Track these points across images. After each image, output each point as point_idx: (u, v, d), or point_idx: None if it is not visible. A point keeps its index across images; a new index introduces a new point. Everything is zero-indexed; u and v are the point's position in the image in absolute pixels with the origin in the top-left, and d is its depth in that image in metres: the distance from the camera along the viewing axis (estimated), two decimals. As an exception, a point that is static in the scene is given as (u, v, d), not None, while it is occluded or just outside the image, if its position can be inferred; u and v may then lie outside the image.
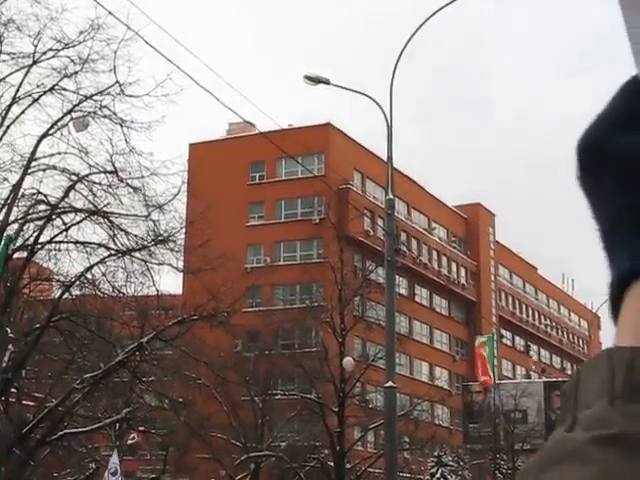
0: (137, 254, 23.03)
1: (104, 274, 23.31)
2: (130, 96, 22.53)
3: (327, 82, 26.51)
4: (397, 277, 49.81)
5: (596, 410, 0.60)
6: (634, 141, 0.69)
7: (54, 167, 22.80)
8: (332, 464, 35.13)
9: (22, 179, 22.45)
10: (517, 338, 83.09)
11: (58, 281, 24.71)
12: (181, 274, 29.74)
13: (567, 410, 0.63)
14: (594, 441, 0.57)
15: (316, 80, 26.43)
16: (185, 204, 27.92)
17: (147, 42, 19.26)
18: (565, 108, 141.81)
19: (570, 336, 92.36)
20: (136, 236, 22.87)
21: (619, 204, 0.69)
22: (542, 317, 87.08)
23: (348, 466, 35.85)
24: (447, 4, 22.41)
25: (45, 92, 22.62)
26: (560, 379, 64.99)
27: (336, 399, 35.56)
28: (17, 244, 22.53)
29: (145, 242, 22.93)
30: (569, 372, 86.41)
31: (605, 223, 0.70)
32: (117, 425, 32.04)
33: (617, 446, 0.56)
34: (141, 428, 29.44)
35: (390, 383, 21.92)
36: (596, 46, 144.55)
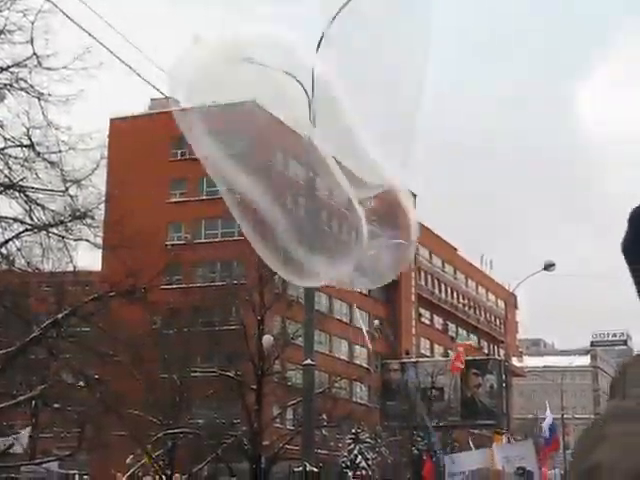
0: (54, 229, 22.71)
1: (19, 249, 22.96)
2: (48, 69, 22.13)
3: (249, 59, 26.42)
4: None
5: None
6: None
7: (-32, 140, 22.35)
8: (249, 441, 35.27)
9: None
10: (435, 317, 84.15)
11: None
12: (100, 250, 29.47)
13: (618, 390, 0.87)
14: None
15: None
16: (105, 180, 27.63)
17: (65, 14, 18.96)
18: (485, 91, 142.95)
19: (487, 315, 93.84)
20: (53, 211, 22.56)
21: None
22: (461, 297, 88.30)
23: (265, 443, 36.01)
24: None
25: (-41, 63, 22.12)
26: (477, 358, 66.04)
27: (255, 377, 35.65)
28: None
29: (62, 217, 22.63)
30: (486, 351, 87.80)
31: None
32: (33, 402, 31.70)
33: None
34: (56, 405, 29.15)
35: (309, 361, 22.06)
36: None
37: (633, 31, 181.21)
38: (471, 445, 43.15)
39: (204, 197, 63.35)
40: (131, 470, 37.69)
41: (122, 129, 59.70)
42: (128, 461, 37.26)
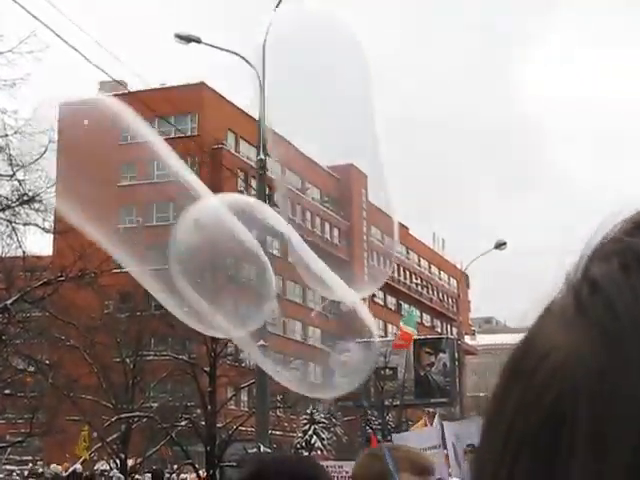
0: (1, 214, 22.53)
1: (-34, 234, 22.76)
2: (-7, 52, 21.91)
3: (198, 41, 26.36)
4: (270, 237, 49.65)
5: None
6: None
7: None
8: (204, 423, 35.31)
9: None
10: (389, 297, 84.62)
11: None
12: (51, 235, 29.28)
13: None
14: None
15: (187, 39, 26.26)
16: (55, 164, 27.41)
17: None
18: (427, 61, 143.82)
19: (440, 294, 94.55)
20: (0, 196, 22.38)
21: None
22: (413, 276, 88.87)
23: (219, 425, 36.06)
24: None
25: None
26: (429, 336, 66.54)
27: (208, 359, 35.68)
28: None
29: (9, 202, 22.46)
30: (439, 330, 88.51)
31: None
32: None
33: None
34: (7, 391, 28.97)
35: (262, 342, 22.15)
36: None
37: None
38: (427, 423, 43.51)
39: (155, 180, 63.06)
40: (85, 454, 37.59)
41: (71, 113, 59.12)
42: (80, 446, 37.13)
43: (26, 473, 39.09)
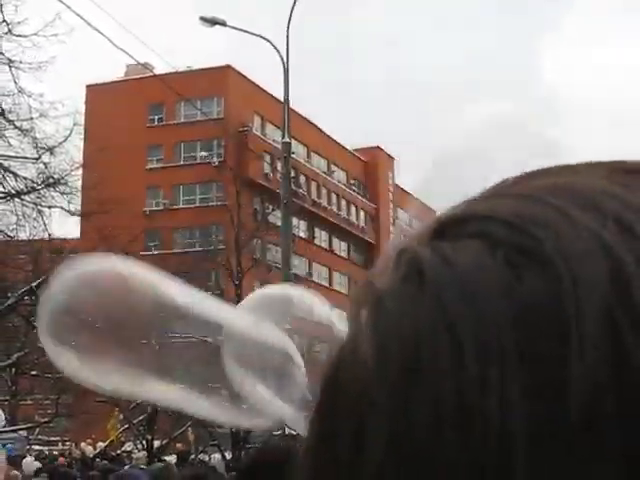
0: (27, 197, 22.68)
1: (-6, 218, 22.94)
2: (18, 36, 22.00)
3: (223, 23, 26.30)
4: (297, 220, 49.96)
5: None
6: None
7: (-62, 108, 22.22)
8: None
9: None
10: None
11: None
12: (79, 218, 29.43)
13: None
14: None
15: (212, 21, 26.19)
16: (82, 147, 27.55)
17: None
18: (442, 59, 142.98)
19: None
20: (25, 179, 22.50)
21: None
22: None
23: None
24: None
25: None
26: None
27: (233, 341, 35.87)
28: None
29: (35, 185, 22.59)
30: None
31: None
32: (12, 370, 31.79)
33: None
34: (34, 372, 29.23)
35: (287, 325, 22.22)
36: None
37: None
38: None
39: (182, 163, 63.20)
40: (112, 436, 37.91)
41: (98, 95, 59.40)
42: (108, 427, 37.47)
43: (55, 452, 39.51)
